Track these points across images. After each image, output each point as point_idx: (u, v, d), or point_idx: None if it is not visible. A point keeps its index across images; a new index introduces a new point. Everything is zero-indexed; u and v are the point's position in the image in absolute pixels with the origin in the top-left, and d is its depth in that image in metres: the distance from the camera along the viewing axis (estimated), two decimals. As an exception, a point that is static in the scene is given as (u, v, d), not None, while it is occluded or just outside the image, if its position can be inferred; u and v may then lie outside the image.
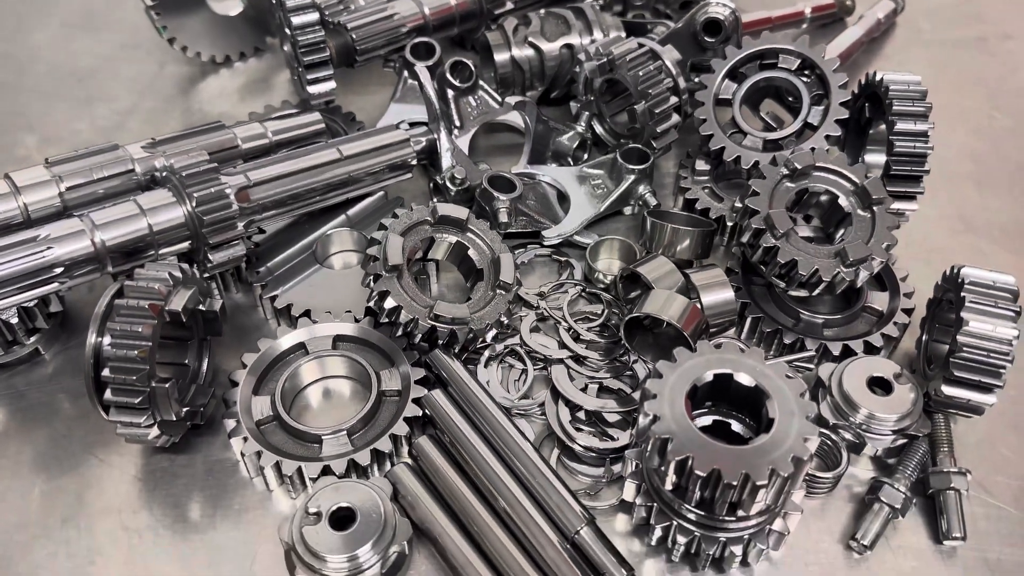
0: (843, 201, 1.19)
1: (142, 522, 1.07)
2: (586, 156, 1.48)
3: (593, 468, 1.12)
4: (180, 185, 1.14)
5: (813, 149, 1.24)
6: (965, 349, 1.04)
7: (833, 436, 1.08)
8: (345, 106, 1.54)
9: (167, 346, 1.14)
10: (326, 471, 1.04)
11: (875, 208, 1.17)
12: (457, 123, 1.47)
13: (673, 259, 1.25)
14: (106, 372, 0.99)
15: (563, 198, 1.40)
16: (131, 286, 1.03)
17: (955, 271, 1.11)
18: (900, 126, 1.22)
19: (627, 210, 1.41)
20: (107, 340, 1.01)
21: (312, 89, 1.45)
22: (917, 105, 1.24)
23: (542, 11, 1.53)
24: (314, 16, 1.40)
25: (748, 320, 1.22)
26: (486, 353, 1.21)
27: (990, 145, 1.55)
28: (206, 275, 1.20)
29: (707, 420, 1.04)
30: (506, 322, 1.20)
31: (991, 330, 1.04)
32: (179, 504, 1.08)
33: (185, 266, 1.09)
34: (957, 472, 1.06)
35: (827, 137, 1.30)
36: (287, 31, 1.43)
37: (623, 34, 1.52)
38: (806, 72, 1.35)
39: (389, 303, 1.12)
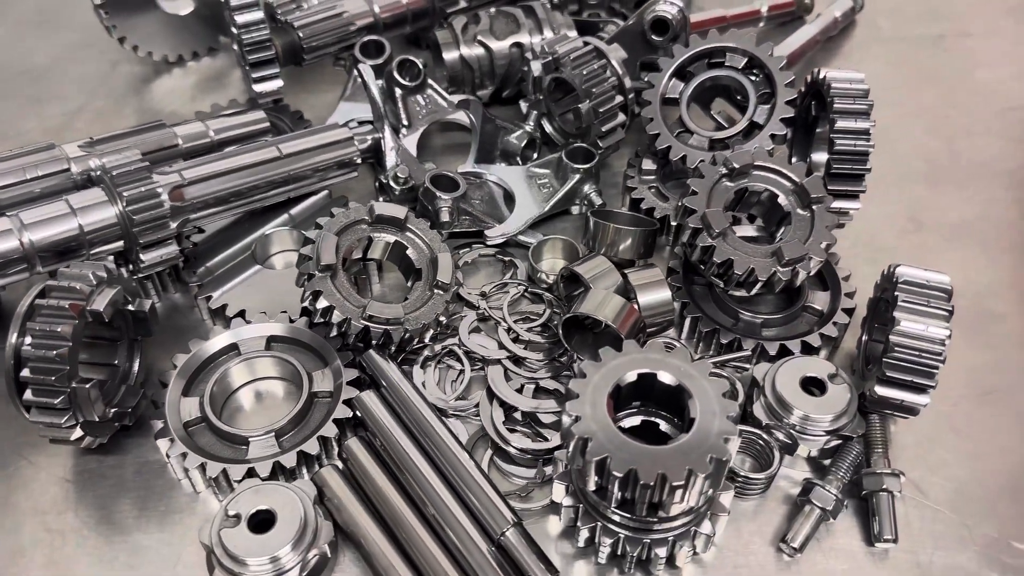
0: (783, 200, 1.18)
1: (67, 524, 1.06)
2: (535, 155, 1.47)
3: (528, 470, 1.10)
4: (111, 184, 1.13)
5: (755, 148, 1.23)
6: (897, 349, 1.03)
7: (766, 436, 1.07)
8: (296, 104, 1.54)
9: (96, 346, 1.13)
10: (251, 473, 1.03)
11: (814, 207, 1.16)
12: (405, 122, 1.46)
13: (616, 259, 1.24)
14: (25, 372, 0.98)
15: (510, 198, 1.39)
16: (53, 285, 1.02)
17: (891, 270, 1.10)
18: (840, 124, 1.21)
19: (574, 209, 1.40)
20: (28, 340, 1.00)
21: (258, 88, 1.44)
22: (858, 103, 1.22)
23: (492, 9, 1.53)
24: (258, 15, 1.39)
25: (688, 320, 1.21)
26: (424, 353, 1.20)
27: (944, 143, 1.54)
28: (141, 275, 1.19)
29: (635, 420, 1.02)
30: (444, 322, 1.19)
31: (923, 330, 1.03)
32: (105, 506, 1.07)
33: (112, 265, 1.08)
34: (890, 474, 1.05)
35: (773, 136, 1.29)
36: (233, 30, 1.42)
37: (574, 32, 1.51)
38: (753, 71, 1.34)
39: (321, 303, 1.11)
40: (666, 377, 0.96)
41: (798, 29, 1.64)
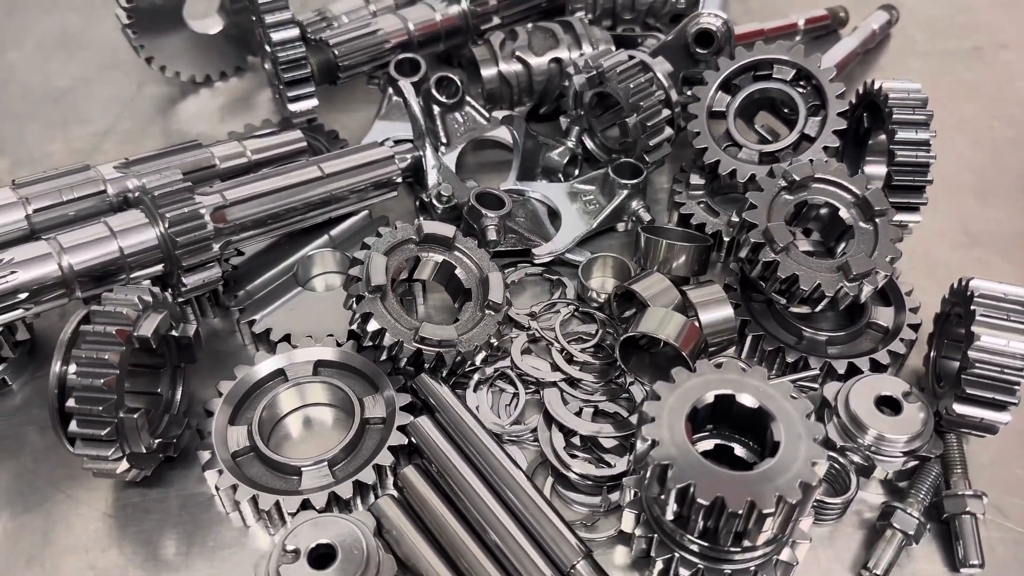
0: (844, 213, 1.15)
1: (111, 561, 1.01)
2: (577, 171, 1.43)
3: (590, 497, 1.06)
4: (152, 205, 1.09)
5: (812, 160, 1.20)
6: (977, 365, 0.99)
7: (841, 459, 1.03)
8: (328, 124, 1.50)
9: (138, 374, 1.08)
10: (305, 505, 0.98)
11: (877, 220, 1.12)
12: (444, 140, 1.43)
13: (669, 276, 1.20)
14: (71, 402, 0.94)
15: (554, 215, 1.36)
16: (98, 311, 0.97)
17: (963, 284, 1.07)
18: (901, 135, 1.18)
19: (620, 226, 1.37)
20: (73, 368, 0.96)
21: (293, 107, 1.41)
22: (918, 113, 1.20)
23: (529, 25, 1.50)
24: (294, 32, 1.36)
25: (749, 338, 1.17)
26: (475, 377, 1.16)
27: (990, 155, 1.52)
28: (181, 299, 1.15)
29: (708, 444, 0.98)
30: (495, 344, 1.15)
31: (1004, 345, 0.99)
32: (151, 542, 1.02)
33: (156, 290, 1.03)
34: (972, 495, 1.00)
35: (825, 148, 1.26)
36: (267, 48, 1.38)
37: (612, 47, 1.48)
38: (801, 83, 1.32)
39: (372, 326, 1.07)
40: (746, 399, 0.91)
41: (837, 42, 1.62)
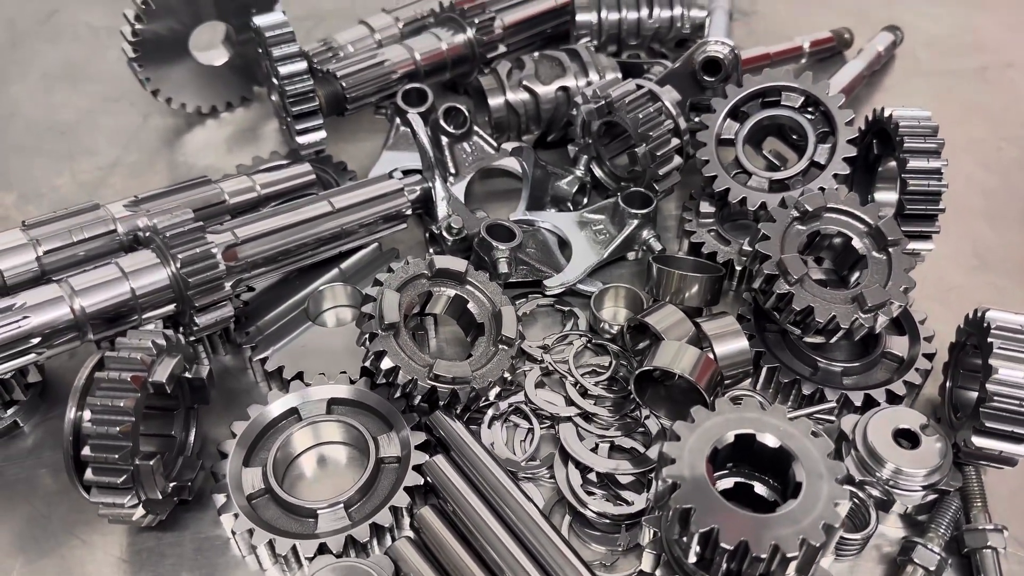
0: (857, 243, 1.14)
1: (127, 609, 1.00)
2: (586, 200, 1.43)
3: (608, 535, 1.05)
4: (164, 246, 1.09)
5: (823, 189, 1.20)
6: (996, 398, 0.99)
7: (860, 494, 1.02)
8: (336, 155, 1.50)
9: (151, 417, 1.08)
10: (322, 549, 0.98)
11: (891, 250, 1.12)
12: (452, 170, 1.43)
13: (682, 307, 1.20)
14: (86, 450, 0.93)
15: (564, 245, 1.35)
16: (112, 357, 0.97)
17: (979, 315, 1.06)
18: (913, 164, 1.18)
19: (631, 256, 1.36)
20: (87, 415, 0.95)
21: (302, 140, 1.40)
22: (929, 141, 1.20)
23: (536, 54, 1.50)
24: (302, 65, 1.36)
25: (764, 370, 1.16)
26: (489, 412, 1.15)
27: (1000, 177, 1.51)
28: (192, 339, 1.14)
29: (729, 483, 0.97)
30: (509, 378, 1.14)
31: (1022, 377, 0.98)
32: (166, 587, 1.02)
33: (170, 332, 1.03)
34: (993, 529, 1.00)
35: (835, 176, 1.26)
36: (275, 81, 1.38)
37: (619, 75, 1.49)
38: (810, 109, 1.31)
39: (386, 363, 1.06)
40: (767, 439, 0.91)
41: (843, 65, 1.62)
